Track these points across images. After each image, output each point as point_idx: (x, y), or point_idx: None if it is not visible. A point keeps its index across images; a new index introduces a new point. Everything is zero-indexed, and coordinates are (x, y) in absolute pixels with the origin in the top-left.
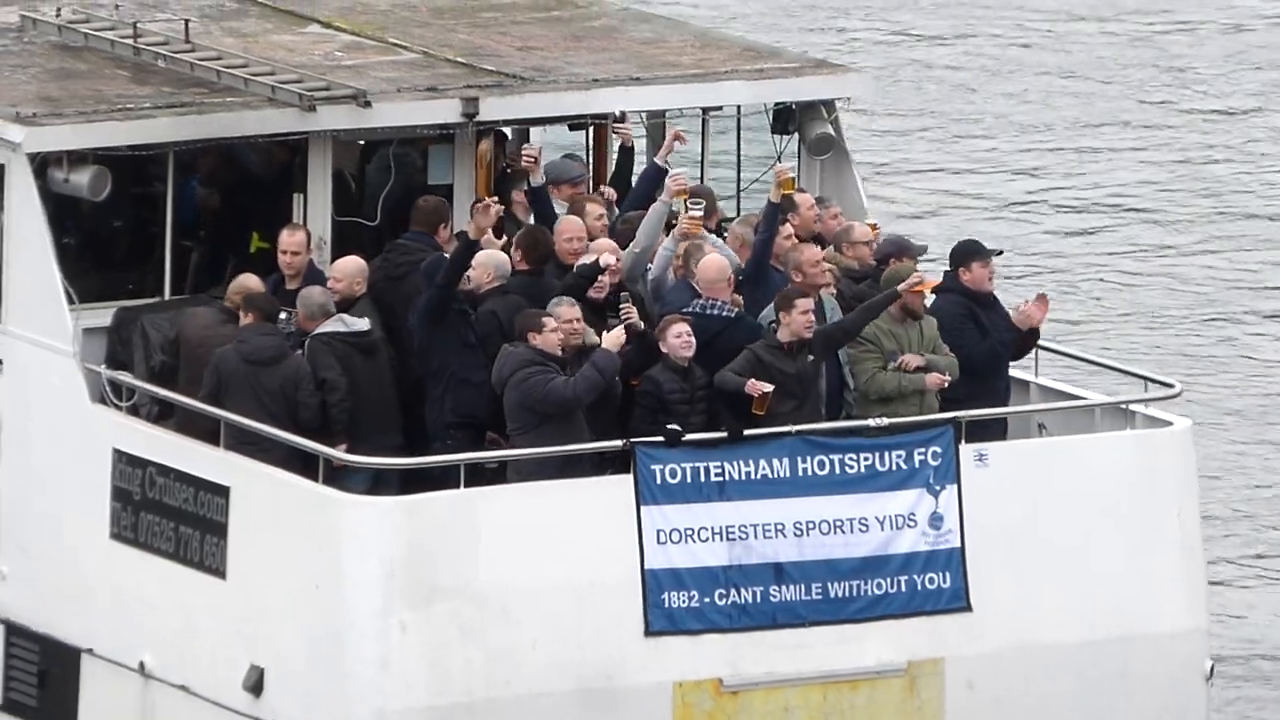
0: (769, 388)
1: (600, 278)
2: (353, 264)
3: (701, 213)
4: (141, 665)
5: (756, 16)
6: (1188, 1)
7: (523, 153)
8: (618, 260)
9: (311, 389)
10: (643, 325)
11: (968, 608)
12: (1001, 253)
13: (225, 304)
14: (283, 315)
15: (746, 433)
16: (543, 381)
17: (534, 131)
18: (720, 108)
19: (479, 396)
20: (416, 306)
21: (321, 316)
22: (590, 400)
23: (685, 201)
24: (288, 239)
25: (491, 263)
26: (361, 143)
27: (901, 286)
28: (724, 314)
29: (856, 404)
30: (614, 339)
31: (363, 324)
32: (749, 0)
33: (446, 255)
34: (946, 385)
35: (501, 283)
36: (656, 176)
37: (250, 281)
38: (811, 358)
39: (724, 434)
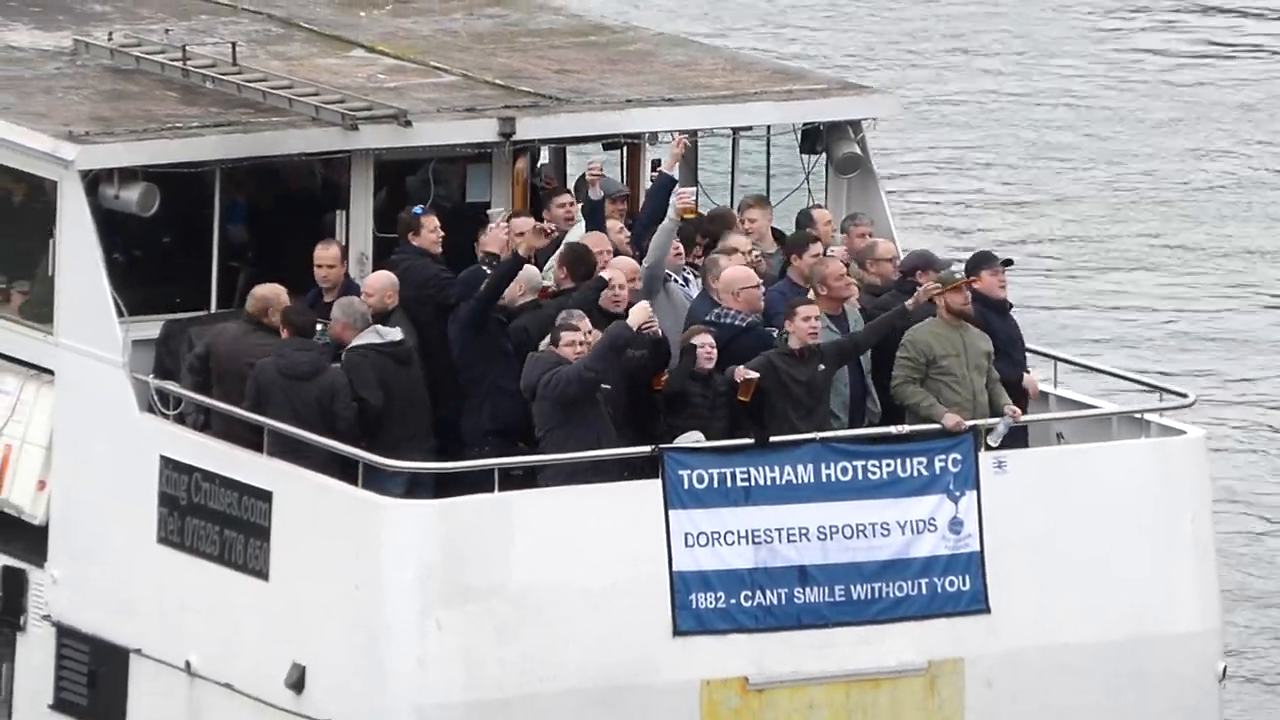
0: (754, 375)
1: (619, 291)
2: (384, 278)
3: (691, 195)
4: (188, 664)
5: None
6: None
7: (588, 167)
8: (631, 280)
9: (347, 401)
10: (660, 333)
11: (986, 609)
12: (1012, 262)
13: (248, 312)
14: (319, 327)
15: (772, 439)
16: (560, 372)
17: (569, 151)
18: (750, 128)
19: (517, 405)
20: (456, 316)
21: (361, 325)
22: (600, 368)
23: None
24: (322, 253)
25: (523, 277)
26: None
27: (911, 303)
28: (735, 323)
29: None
30: (637, 313)
31: (396, 334)
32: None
33: (485, 269)
34: (963, 429)
35: (534, 297)
36: (667, 185)
37: (267, 290)
38: (823, 367)
39: (750, 440)
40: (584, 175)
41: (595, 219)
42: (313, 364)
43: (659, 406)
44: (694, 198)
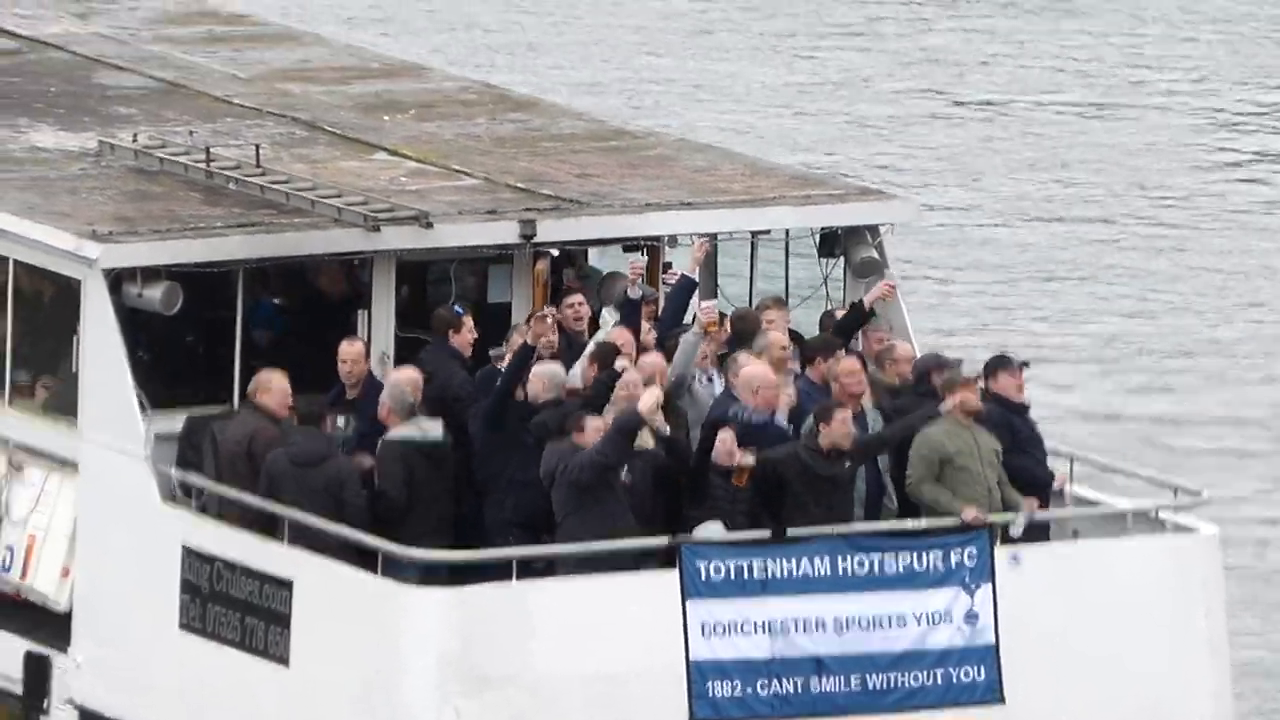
0: (751, 461)
1: (633, 389)
2: (409, 374)
3: (715, 308)
4: None
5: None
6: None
7: (630, 265)
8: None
9: (357, 489)
10: (668, 430)
11: (1001, 701)
12: (1028, 364)
13: (247, 393)
14: (340, 421)
15: (789, 533)
16: (575, 458)
17: (592, 253)
18: (768, 231)
19: (538, 496)
20: (476, 413)
21: (406, 415)
22: (610, 453)
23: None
24: (347, 349)
25: (547, 375)
26: None
27: (947, 406)
28: (753, 420)
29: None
30: (648, 399)
31: (437, 432)
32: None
33: (499, 366)
34: (982, 523)
35: (556, 394)
36: (688, 288)
37: (263, 373)
38: (849, 464)
39: (768, 533)
40: (609, 275)
41: (632, 318)
42: (321, 451)
43: (682, 497)
44: (717, 311)
